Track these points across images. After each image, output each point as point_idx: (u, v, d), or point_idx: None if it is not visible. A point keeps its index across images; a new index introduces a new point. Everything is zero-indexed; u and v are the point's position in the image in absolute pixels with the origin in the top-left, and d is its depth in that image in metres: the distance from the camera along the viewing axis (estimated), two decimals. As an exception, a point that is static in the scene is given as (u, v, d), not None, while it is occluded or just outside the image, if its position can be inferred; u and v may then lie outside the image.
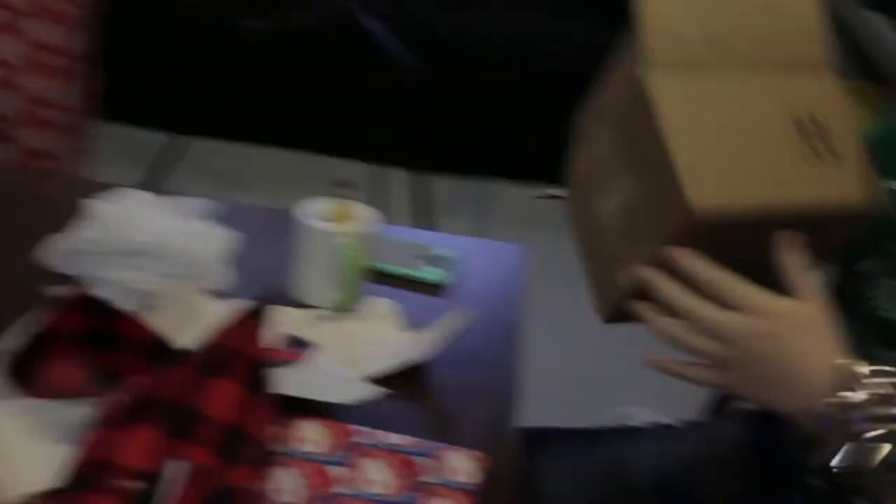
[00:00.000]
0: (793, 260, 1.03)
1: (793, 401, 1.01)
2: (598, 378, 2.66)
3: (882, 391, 0.97)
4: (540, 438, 1.49)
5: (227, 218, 1.47)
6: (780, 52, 1.07)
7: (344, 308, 1.37)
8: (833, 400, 0.98)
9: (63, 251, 1.34)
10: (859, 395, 0.97)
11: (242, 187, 3.49)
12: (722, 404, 1.67)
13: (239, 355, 1.06)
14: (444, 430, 1.21)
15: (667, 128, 0.99)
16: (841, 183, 1.04)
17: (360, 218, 1.39)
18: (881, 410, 0.97)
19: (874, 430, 0.96)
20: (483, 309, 1.45)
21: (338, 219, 1.38)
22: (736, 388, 1.06)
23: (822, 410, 0.98)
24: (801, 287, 1.02)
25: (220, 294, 1.37)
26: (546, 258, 3.16)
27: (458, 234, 1.70)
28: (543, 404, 1.91)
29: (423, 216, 2.98)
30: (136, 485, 0.95)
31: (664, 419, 1.60)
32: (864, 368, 0.98)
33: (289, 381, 1.14)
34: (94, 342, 1.12)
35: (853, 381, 0.98)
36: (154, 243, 1.31)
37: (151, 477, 0.97)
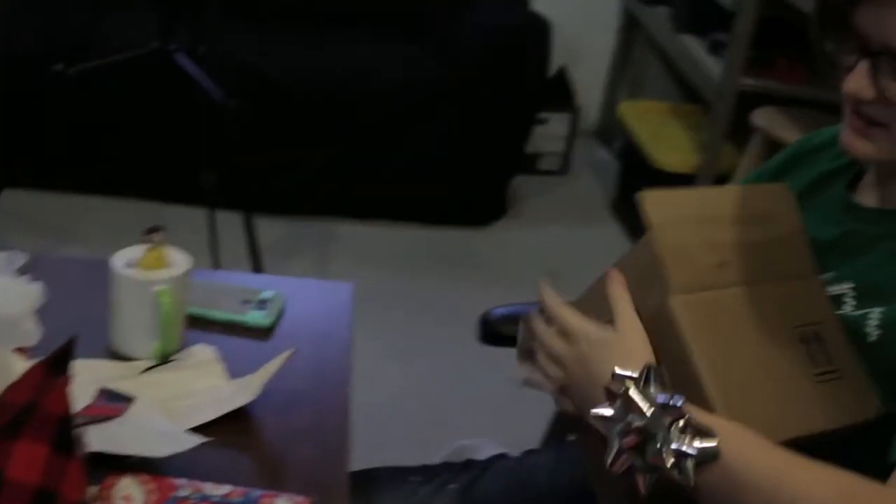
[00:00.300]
0: (617, 293, 1.13)
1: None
2: (436, 413, 2.66)
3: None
4: (374, 479, 1.47)
5: (42, 271, 1.42)
6: (776, 264, 1.18)
7: (164, 357, 1.34)
8: (594, 412, 1.03)
9: None
10: (608, 410, 1.02)
11: (76, 239, 3.40)
12: (558, 433, 1.68)
13: (41, 413, 1.01)
14: (273, 476, 1.18)
15: (697, 356, 1.07)
16: (848, 402, 1.13)
17: (175, 263, 1.36)
18: (628, 420, 1.01)
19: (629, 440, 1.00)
20: (311, 349, 1.43)
21: (151, 265, 1.34)
22: (573, 403, 1.16)
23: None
24: (621, 318, 1.12)
25: (33, 351, 1.32)
26: (386, 294, 3.17)
27: (298, 275, 1.68)
28: (381, 443, 1.89)
29: (257, 259, 2.94)
30: None
31: (502, 450, 1.61)
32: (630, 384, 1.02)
33: (105, 437, 1.10)
34: None
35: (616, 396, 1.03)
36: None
37: None
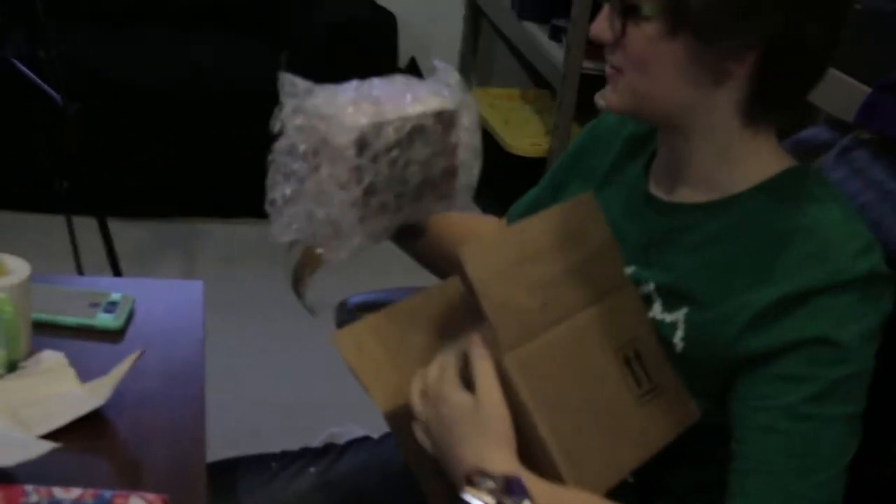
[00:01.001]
0: (479, 357, 1.10)
1: (450, 472, 1.10)
2: (305, 403, 2.65)
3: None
4: (235, 468, 1.46)
5: None
6: (594, 283, 1.17)
7: (10, 366, 1.30)
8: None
9: None
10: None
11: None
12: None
13: None
14: (127, 476, 1.17)
15: (535, 414, 1.07)
16: (671, 415, 1.18)
17: (14, 271, 1.33)
18: None
19: None
20: (163, 348, 1.42)
21: (-9, 274, 1.32)
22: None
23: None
24: (481, 384, 1.09)
25: None
26: (251, 291, 3.14)
27: (162, 278, 1.66)
28: (251, 437, 1.88)
29: (115, 264, 2.89)
30: None
31: (366, 433, 1.61)
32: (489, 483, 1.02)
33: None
34: None
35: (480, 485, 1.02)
36: None
37: None
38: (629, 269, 1.22)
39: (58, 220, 2.99)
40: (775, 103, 1.15)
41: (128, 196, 3.47)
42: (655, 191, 1.26)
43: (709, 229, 1.18)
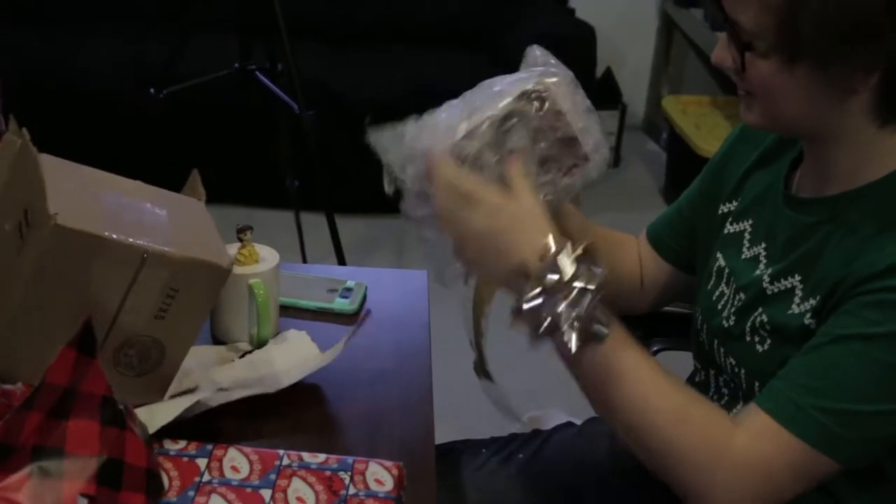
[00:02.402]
0: (516, 168, 1.09)
1: (501, 267, 1.06)
2: (510, 386, 2.65)
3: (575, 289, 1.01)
4: (452, 451, 1.48)
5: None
6: None
7: (261, 344, 1.35)
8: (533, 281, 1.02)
9: None
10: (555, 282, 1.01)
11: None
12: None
13: (82, 395, 1.00)
14: (366, 446, 1.19)
15: None
16: None
17: (266, 258, 1.38)
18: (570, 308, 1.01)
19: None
20: (393, 332, 1.44)
21: (245, 261, 1.36)
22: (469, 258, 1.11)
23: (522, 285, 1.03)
24: (516, 187, 1.08)
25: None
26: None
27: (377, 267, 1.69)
28: (460, 418, 1.89)
29: (340, 254, 2.97)
30: None
31: (571, 419, 1.60)
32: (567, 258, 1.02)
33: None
34: None
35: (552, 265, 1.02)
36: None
37: None
38: (772, 269, 1.18)
39: (283, 216, 3.10)
40: None
41: (347, 195, 3.54)
42: (798, 192, 1.21)
43: (848, 217, 1.11)
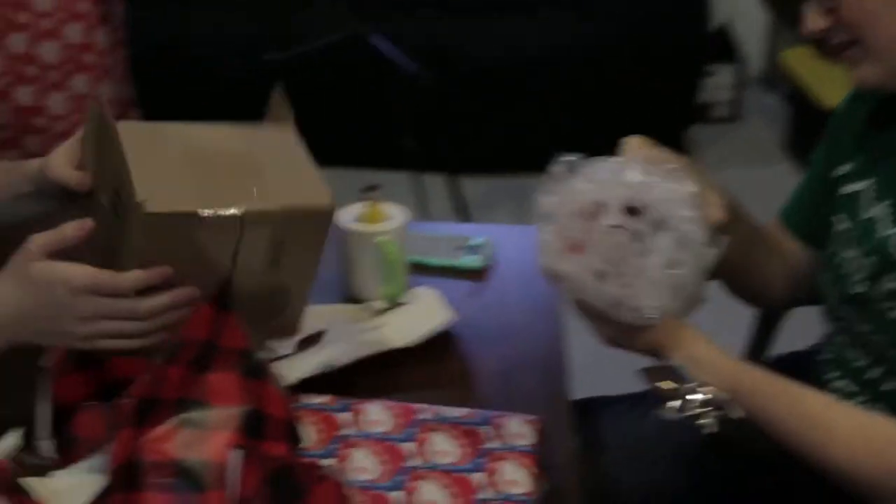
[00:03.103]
0: None
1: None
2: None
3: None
4: (588, 405, 1.46)
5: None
6: None
7: (392, 299, 1.35)
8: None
9: None
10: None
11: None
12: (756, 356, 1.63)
13: (221, 349, 1.01)
14: (502, 400, 1.18)
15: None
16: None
17: (393, 217, 1.38)
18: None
19: None
20: (521, 287, 1.43)
21: (372, 219, 1.37)
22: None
23: None
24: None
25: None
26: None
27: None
28: (591, 374, 1.88)
29: (462, 213, 2.96)
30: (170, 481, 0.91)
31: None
32: None
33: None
34: (104, 396, 1.05)
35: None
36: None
37: (185, 468, 0.92)
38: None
39: (404, 177, 3.10)
40: None
41: (466, 155, 3.53)
42: None
43: None
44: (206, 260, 1.04)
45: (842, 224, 1.23)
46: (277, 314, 1.15)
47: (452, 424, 1.09)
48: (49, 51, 1.96)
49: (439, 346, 1.29)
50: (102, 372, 1.03)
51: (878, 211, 1.16)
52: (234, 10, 3.83)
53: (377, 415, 1.11)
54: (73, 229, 1.02)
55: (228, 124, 1.21)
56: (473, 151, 3.61)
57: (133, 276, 1.00)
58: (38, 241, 1.00)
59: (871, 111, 1.22)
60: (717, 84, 4.15)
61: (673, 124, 3.82)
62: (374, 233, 1.35)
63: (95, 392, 1.03)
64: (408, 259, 1.41)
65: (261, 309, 1.12)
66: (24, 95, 1.97)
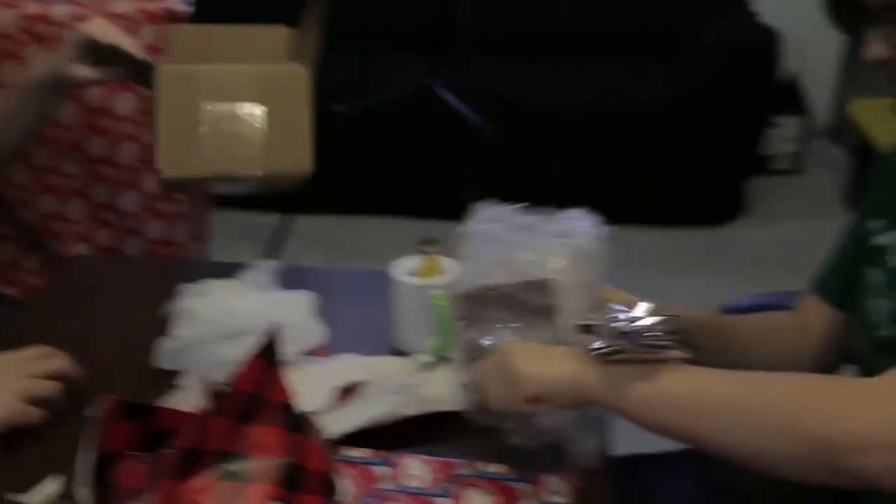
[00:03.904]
0: None
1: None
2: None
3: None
4: (631, 464, 1.46)
5: (331, 282, 1.52)
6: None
7: (441, 355, 1.37)
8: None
9: (169, 351, 1.35)
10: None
11: (358, 254, 3.54)
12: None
13: (266, 402, 1.03)
14: (539, 459, 1.18)
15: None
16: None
17: (448, 270, 1.40)
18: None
19: None
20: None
21: (428, 273, 1.39)
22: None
23: None
24: None
25: (325, 352, 1.38)
26: (639, 290, 3.14)
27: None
28: (634, 430, 1.87)
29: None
30: None
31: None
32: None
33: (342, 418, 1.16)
34: (146, 446, 1.08)
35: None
36: (250, 322, 1.31)
37: None
38: None
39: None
40: None
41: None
42: None
43: None
44: None
45: (875, 277, 1.23)
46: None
47: (490, 480, 1.10)
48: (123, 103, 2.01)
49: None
50: (150, 422, 1.06)
51: None
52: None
53: (416, 469, 1.12)
54: None
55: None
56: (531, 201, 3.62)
57: None
58: None
59: None
60: (783, 136, 4.12)
61: (736, 176, 3.81)
62: (428, 286, 1.37)
63: (142, 442, 1.06)
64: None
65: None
66: (96, 146, 2.03)
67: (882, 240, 1.23)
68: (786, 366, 1.25)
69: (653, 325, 0.99)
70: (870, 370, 1.22)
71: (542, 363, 1.03)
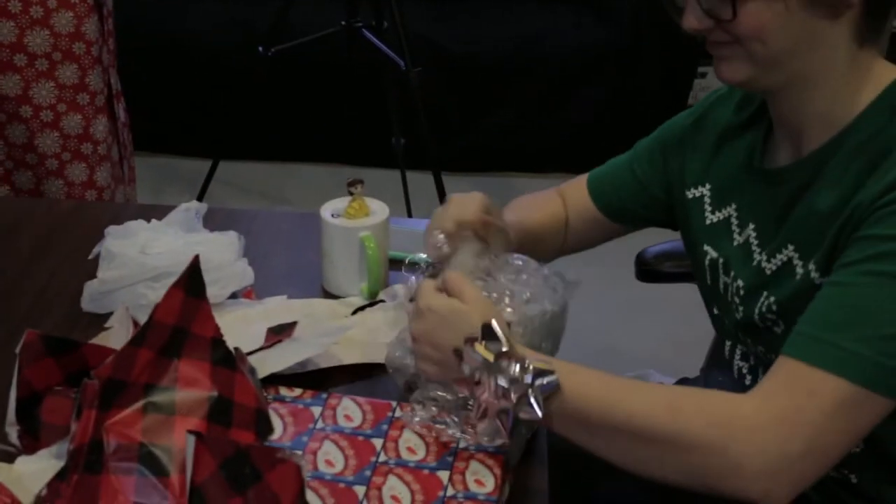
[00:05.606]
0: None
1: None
2: (608, 348, 2.66)
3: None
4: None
5: (260, 225, 1.50)
6: None
7: (371, 296, 1.36)
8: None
9: (92, 295, 1.33)
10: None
11: (284, 201, 3.51)
12: (715, 359, 1.64)
13: (192, 336, 1.02)
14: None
15: None
16: None
17: (376, 212, 1.39)
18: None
19: None
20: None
21: (356, 215, 1.38)
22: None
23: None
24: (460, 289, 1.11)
25: (254, 294, 1.37)
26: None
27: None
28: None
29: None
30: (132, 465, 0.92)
31: (664, 379, 1.59)
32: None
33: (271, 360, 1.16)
34: (72, 382, 1.04)
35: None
36: (175, 263, 1.28)
37: (149, 453, 0.94)
38: (767, 248, 1.16)
39: (389, 175, 3.11)
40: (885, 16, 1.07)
41: (451, 154, 3.52)
42: (771, 164, 1.18)
43: (832, 170, 1.08)
44: None
45: (713, 253, 1.26)
46: None
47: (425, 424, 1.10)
48: (38, 39, 1.96)
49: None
50: (74, 358, 1.04)
51: (744, 236, 1.21)
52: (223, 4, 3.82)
53: (350, 410, 1.12)
54: None
55: None
56: (461, 149, 3.60)
57: None
58: None
59: (719, 134, 1.26)
60: (709, 85, 4.17)
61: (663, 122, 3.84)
62: (356, 227, 1.36)
63: (67, 378, 1.03)
64: (389, 255, 1.42)
65: None
66: (11, 84, 1.97)
67: (718, 215, 1.25)
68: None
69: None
70: (732, 341, 1.26)
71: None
